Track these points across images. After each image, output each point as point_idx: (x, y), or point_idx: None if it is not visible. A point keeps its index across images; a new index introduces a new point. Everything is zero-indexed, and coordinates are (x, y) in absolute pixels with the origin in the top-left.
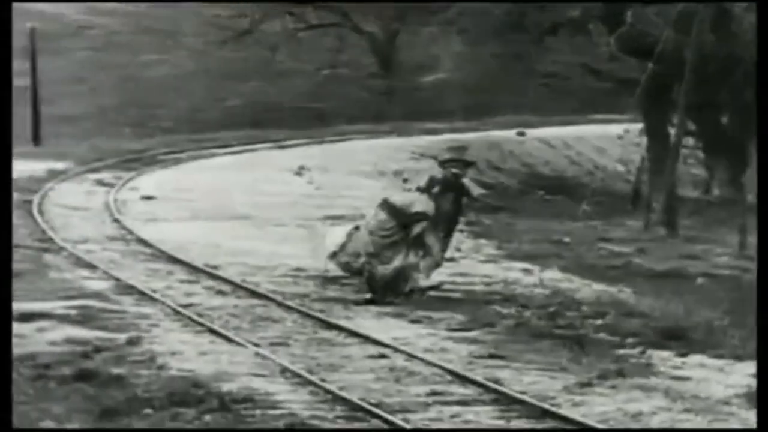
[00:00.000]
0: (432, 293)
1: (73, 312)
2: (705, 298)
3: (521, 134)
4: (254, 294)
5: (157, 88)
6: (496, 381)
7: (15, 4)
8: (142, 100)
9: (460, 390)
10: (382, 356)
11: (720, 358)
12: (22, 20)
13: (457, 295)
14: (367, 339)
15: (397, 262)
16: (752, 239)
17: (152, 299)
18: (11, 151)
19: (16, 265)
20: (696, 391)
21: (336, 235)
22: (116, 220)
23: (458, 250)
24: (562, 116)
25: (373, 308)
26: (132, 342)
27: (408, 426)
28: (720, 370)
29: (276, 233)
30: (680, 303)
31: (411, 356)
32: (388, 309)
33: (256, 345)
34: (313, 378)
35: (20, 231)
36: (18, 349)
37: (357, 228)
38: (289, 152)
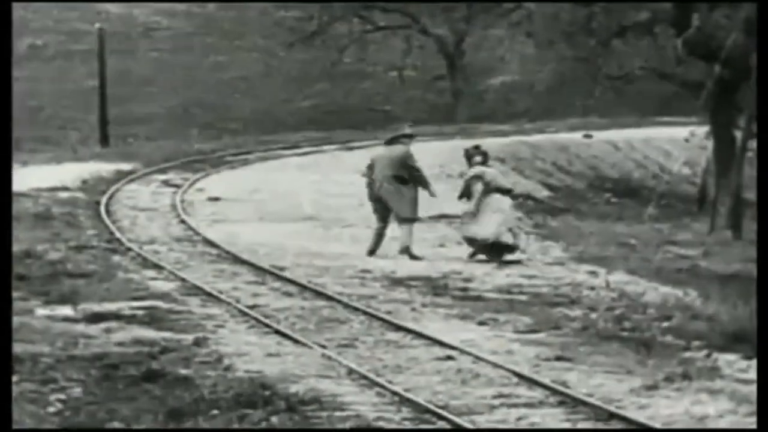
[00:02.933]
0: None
1: (140, 313)
2: None
3: (588, 137)
4: (321, 295)
5: (225, 90)
6: (563, 383)
7: (83, 4)
8: (210, 102)
9: (526, 392)
10: (449, 358)
11: None
12: (90, 21)
13: (523, 297)
14: (433, 341)
15: None
16: None
17: (219, 300)
18: (11, 151)
19: (85, 266)
20: None
21: None
22: (183, 221)
23: (524, 252)
24: (629, 119)
25: (441, 310)
26: (198, 343)
27: (472, 426)
28: None
29: (343, 235)
30: (746, 306)
31: (477, 358)
32: (455, 311)
33: (323, 346)
34: (379, 380)
35: (88, 232)
36: (86, 349)
37: None
38: (356, 153)
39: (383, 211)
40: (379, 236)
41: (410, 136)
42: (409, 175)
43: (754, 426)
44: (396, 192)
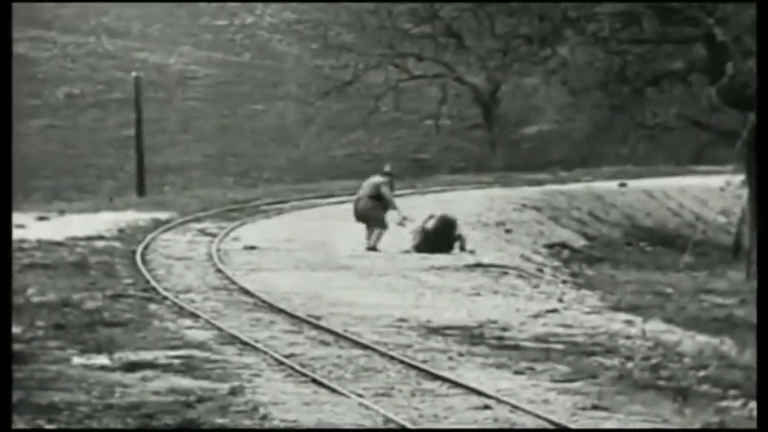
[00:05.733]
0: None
1: (176, 362)
2: None
3: (623, 185)
4: (357, 344)
5: (261, 139)
6: None
7: (118, 52)
8: (246, 150)
9: None
10: (486, 407)
11: None
12: (126, 70)
13: (560, 346)
14: (470, 390)
15: None
16: None
17: (255, 349)
18: (11, 154)
19: (121, 315)
20: None
21: None
22: (219, 270)
23: (561, 301)
24: (664, 167)
25: (477, 359)
26: (235, 392)
27: None
28: None
29: (379, 284)
30: None
31: (515, 407)
32: (492, 360)
33: (360, 395)
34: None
35: (125, 281)
36: (123, 398)
37: None
38: None
39: (364, 221)
40: (370, 234)
41: (388, 174)
42: (378, 195)
43: None
44: (371, 208)
